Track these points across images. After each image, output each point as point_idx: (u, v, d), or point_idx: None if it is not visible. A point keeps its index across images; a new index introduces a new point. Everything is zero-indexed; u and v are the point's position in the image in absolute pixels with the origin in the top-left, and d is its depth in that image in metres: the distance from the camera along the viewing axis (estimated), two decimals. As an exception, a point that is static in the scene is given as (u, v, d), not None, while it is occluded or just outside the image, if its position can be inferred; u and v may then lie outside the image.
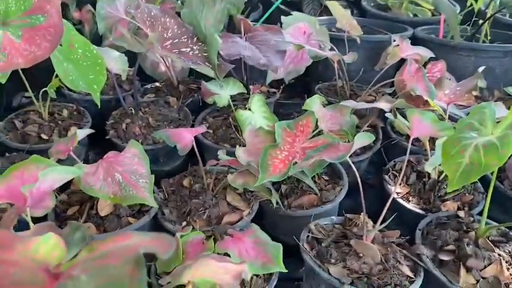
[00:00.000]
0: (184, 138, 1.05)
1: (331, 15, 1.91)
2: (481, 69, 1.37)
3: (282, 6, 2.08)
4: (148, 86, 1.68)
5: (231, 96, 1.37)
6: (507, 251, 0.96)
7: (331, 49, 1.59)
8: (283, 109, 1.75)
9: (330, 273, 0.87)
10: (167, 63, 1.60)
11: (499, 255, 0.93)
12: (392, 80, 1.47)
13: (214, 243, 0.87)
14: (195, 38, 1.34)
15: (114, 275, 0.39)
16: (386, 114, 1.33)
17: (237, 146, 1.01)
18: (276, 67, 1.24)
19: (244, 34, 1.52)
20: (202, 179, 1.16)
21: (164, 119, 1.39)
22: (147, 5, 1.29)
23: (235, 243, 0.84)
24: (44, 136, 1.28)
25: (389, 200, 0.97)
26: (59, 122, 1.33)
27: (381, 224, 0.96)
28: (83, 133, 1.11)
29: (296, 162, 0.96)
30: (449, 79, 1.50)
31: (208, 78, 1.35)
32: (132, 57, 1.45)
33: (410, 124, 1.05)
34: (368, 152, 1.32)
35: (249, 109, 1.34)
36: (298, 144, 1.01)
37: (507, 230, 1.00)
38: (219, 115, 1.45)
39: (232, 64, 1.38)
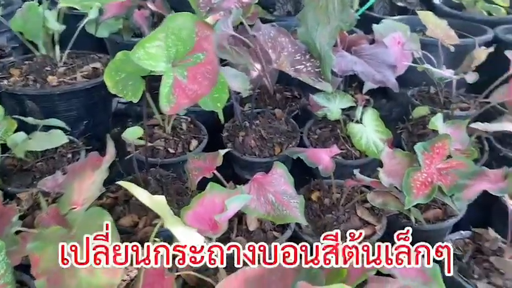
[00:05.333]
0: (323, 159, 1.13)
1: (402, 14, 1.92)
2: None
3: None
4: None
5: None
6: None
7: (424, 56, 1.62)
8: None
9: (478, 289, 0.96)
10: (266, 73, 1.67)
11: None
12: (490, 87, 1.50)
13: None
14: (308, 55, 1.40)
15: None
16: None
17: (379, 170, 1.09)
18: (393, 83, 1.30)
19: (340, 44, 1.58)
20: (329, 193, 1.25)
21: (275, 132, 1.47)
22: (266, 26, 1.36)
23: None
24: (170, 150, 1.37)
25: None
26: (182, 136, 1.43)
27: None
28: (223, 152, 1.19)
29: (439, 186, 1.03)
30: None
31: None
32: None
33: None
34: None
35: (359, 122, 1.41)
36: (433, 166, 1.07)
37: None
38: (325, 126, 1.52)
39: (340, 77, 1.45)
